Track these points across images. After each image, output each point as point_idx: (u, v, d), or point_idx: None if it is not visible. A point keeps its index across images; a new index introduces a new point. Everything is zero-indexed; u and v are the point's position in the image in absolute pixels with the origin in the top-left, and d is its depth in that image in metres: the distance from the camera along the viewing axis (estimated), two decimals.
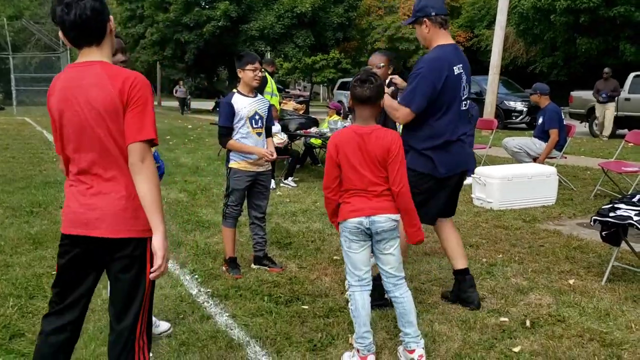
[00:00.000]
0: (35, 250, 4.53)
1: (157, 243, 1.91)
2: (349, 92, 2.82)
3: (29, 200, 6.34)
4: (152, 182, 1.90)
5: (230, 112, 3.86)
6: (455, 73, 3.23)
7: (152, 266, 2.02)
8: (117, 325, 2.03)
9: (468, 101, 3.39)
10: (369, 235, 2.70)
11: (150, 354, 2.87)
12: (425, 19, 3.28)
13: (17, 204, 6.22)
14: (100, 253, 1.99)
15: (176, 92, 28.54)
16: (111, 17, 2.00)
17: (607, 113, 13.63)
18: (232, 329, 3.17)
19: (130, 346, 2.03)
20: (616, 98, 13.60)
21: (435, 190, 3.33)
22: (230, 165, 3.99)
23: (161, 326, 3.09)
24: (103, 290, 3.32)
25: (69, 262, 2.03)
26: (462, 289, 3.46)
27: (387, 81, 3.68)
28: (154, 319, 3.04)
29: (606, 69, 13.93)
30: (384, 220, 2.65)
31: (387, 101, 3.36)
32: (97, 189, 1.95)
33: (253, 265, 4.21)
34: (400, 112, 3.25)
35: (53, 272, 2.72)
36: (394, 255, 2.72)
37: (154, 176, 1.91)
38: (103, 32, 1.95)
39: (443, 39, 3.30)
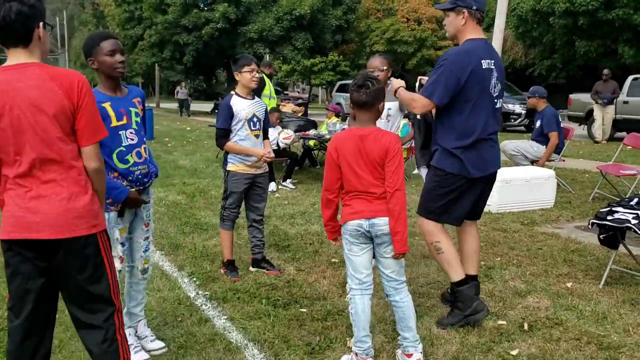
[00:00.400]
0: None
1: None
2: (347, 95, 2.82)
3: None
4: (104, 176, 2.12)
5: (229, 114, 3.86)
6: (484, 67, 3.09)
7: (109, 258, 2.06)
8: (95, 322, 2.03)
9: (501, 100, 3.26)
10: (370, 239, 2.70)
11: (149, 356, 2.88)
12: (465, 9, 3.15)
13: None
14: (46, 257, 1.94)
15: (177, 93, 28.58)
16: (41, 24, 1.94)
17: (607, 116, 13.62)
18: (230, 332, 3.17)
19: (112, 339, 2.04)
20: (615, 100, 13.61)
21: (464, 191, 3.20)
22: (228, 168, 3.99)
23: (155, 343, 2.98)
24: None
25: (17, 271, 1.96)
26: None
27: (417, 84, 3.53)
28: (148, 331, 3.02)
29: (605, 71, 13.92)
30: (384, 223, 2.63)
31: (403, 93, 3.29)
32: (37, 192, 1.92)
33: (251, 268, 4.21)
34: (418, 102, 3.15)
35: None
36: (394, 259, 2.72)
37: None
38: (29, 38, 1.91)
39: (475, 33, 3.19)
